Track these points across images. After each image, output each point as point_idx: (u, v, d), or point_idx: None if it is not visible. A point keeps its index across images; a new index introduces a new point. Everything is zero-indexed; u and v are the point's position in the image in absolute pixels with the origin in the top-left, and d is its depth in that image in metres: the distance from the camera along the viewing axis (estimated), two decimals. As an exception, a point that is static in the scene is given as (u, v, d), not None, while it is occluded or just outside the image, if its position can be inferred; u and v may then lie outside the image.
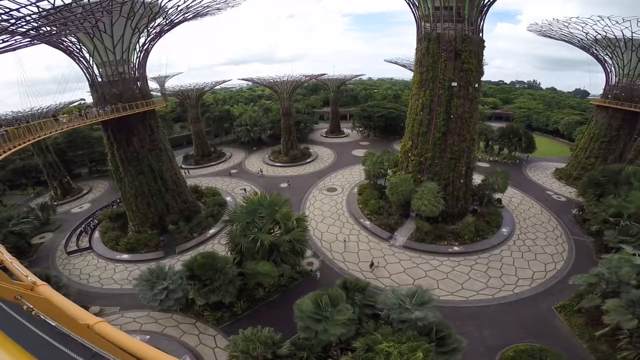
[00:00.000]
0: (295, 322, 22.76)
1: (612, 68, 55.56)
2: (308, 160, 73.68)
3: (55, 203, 56.46)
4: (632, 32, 46.40)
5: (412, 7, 40.07)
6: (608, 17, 45.88)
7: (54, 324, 3.88)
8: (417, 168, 42.64)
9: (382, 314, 24.57)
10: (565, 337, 27.12)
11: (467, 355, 22.69)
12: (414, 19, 40.72)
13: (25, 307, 3.97)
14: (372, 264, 36.37)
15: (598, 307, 26.12)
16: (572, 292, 31.17)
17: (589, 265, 33.13)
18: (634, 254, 28.17)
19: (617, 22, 45.78)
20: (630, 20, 44.26)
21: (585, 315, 28.33)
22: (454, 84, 38.04)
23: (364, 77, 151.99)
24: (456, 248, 39.19)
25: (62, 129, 35.33)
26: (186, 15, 41.27)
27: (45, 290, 4.74)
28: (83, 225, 47.70)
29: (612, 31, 48.12)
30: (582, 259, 37.11)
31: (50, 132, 33.92)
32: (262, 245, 28.86)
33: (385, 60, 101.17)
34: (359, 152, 74.96)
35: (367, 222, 44.88)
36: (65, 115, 38.06)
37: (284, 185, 60.02)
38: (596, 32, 50.10)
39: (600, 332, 26.09)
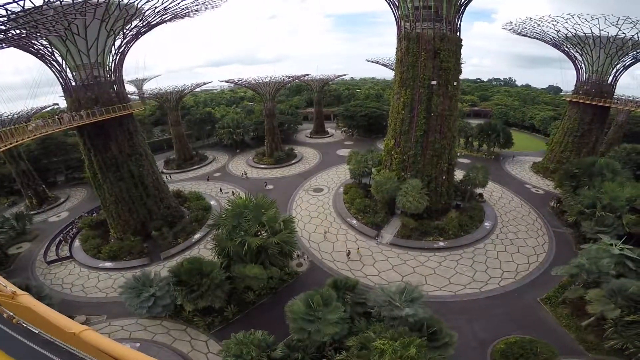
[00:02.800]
0: (287, 323, 22.60)
1: (582, 65, 57.99)
2: (293, 161, 73.39)
3: (32, 212, 54.17)
4: (600, 30, 48.55)
5: (392, 7, 40.61)
6: (578, 15, 47.86)
7: (37, 332, 3.73)
8: (400, 166, 43.19)
9: (373, 312, 24.67)
10: (552, 328, 27.83)
11: (459, 349, 22.96)
12: (394, 19, 41.27)
13: (5, 315, 3.78)
14: (349, 253, 38.06)
15: (581, 297, 26.78)
16: (555, 283, 32.18)
17: (569, 256, 34.24)
18: (611, 244, 29.15)
19: (586, 20, 47.80)
20: (598, 18, 46.28)
21: (570, 306, 29.09)
22: (434, 82, 38.77)
23: (346, 77, 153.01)
24: (442, 243, 39.84)
25: (34, 135, 33.91)
26: (164, 17, 40.37)
27: (26, 299, 4.53)
28: (62, 234, 46.09)
29: (582, 29, 50.21)
30: (563, 250, 38.41)
31: (22, 139, 32.51)
32: (249, 248, 28.51)
33: (367, 60, 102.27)
34: (344, 152, 75.28)
35: (354, 221, 45.09)
36: (37, 120, 36.44)
37: (270, 187, 59.64)
38: (567, 29, 52.14)
39: (586, 322, 26.82)
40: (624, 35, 47.58)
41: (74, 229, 47.26)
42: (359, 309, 24.98)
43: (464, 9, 38.51)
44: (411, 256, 37.82)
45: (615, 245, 28.94)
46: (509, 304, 30.70)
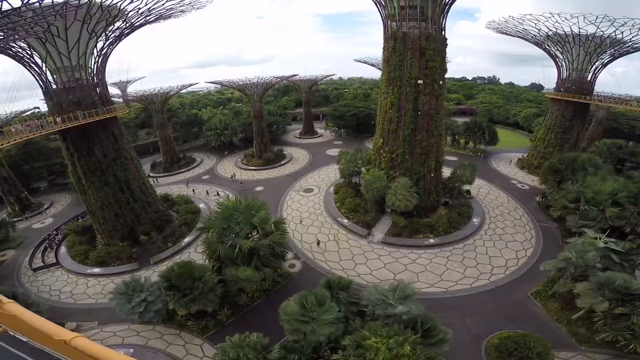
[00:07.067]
0: (282, 325, 22.44)
1: (563, 63, 59.54)
2: (283, 162, 73.02)
3: (15, 219, 52.43)
4: (579, 28, 49.88)
5: (378, 6, 40.86)
6: (558, 14, 49.05)
7: (25, 340, 3.59)
8: (389, 164, 43.49)
9: (368, 311, 24.75)
10: (544, 322, 28.26)
11: (453, 346, 23.08)
12: (381, 19, 41.53)
13: (-8, 324, 3.65)
14: (318, 242, 40.09)
15: (570, 291, 27.19)
16: (544, 277, 32.74)
17: (556, 250, 35.00)
18: (596, 238, 29.80)
19: (566, 19, 49.03)
20: (577, 17, 47.50)
21: (560, 300, 29.52)
22: (420, 81, 39.15)
23: (334, 77, 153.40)
24: (432, 240, 40.24)
25: (14, 140, 32.86)
26: (148, 18, 39.67)
27: (13, 307, 4.34)
28: (47, 241, 44.88)
29: (562, 27, 51.51)
30: (550, 245, 39.15)
31: (2, 145, 31.48)
32: (240, 250, 28.23)
33: (354, 60, 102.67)
34: (333, 152, 75.33)
35: (345, 221, 45.15)
36: (16, 124, 35.38)
37: (260, 188, 59.24)
38: (547, 28, 53.42)
39: (576, 315, 27.26)
40: (602, 33, 48.96)
41: (59, 235, 46.05)
42: (353, 308, 25.03)
43: (449, 8, 39.03)
44: (402, 254, 38.07)
45: (600, 238, 29.58)
46: (500, 299, 31.12)
